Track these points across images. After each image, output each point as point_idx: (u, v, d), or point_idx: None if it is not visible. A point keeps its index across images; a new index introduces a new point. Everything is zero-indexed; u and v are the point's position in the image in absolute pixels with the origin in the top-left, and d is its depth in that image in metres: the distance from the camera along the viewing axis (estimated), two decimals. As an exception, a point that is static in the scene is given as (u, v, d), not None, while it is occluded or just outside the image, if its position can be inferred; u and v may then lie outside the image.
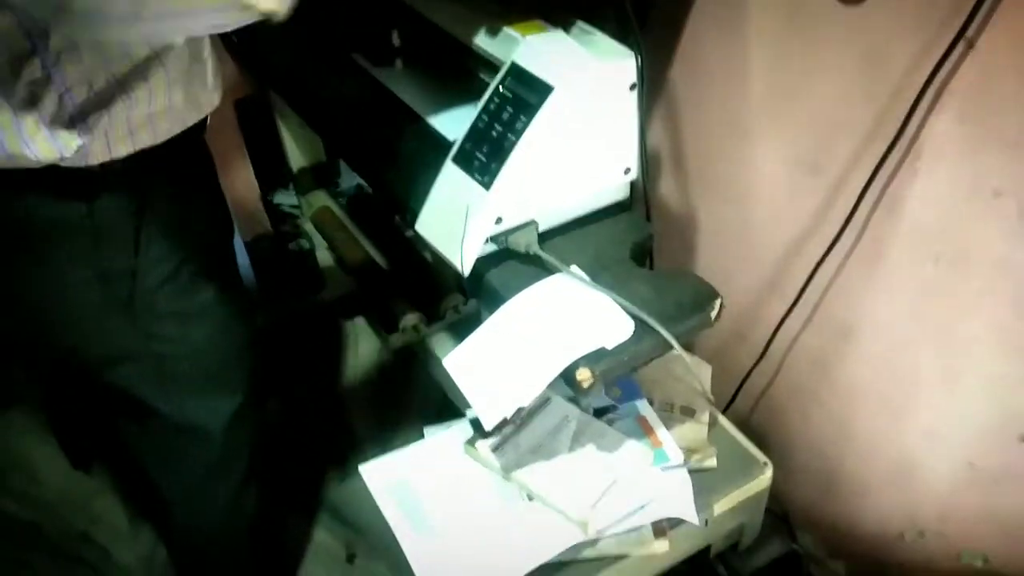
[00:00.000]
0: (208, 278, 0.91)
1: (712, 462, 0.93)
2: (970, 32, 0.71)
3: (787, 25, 0.90)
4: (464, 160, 0.86)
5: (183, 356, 0.92)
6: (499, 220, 0.86)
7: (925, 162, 0.82)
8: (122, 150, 0.75)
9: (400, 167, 0.97)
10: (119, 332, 0.87)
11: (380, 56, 1.07)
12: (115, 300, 0.84)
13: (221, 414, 1.00)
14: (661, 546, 0.87)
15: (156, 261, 0.84)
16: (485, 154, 0.84)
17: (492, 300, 0.91)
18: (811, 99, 0.91)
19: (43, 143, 0.70)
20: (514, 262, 0.92)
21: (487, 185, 0.83)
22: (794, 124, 0.94)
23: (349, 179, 1.94)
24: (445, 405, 1.54)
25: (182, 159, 0.85)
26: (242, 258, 1.74)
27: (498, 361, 0.83)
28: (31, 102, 0.68)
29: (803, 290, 0.99)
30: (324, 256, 1.71)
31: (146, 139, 0.77)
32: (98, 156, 0.74)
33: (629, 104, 0.87)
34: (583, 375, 0.79)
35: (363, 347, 1.80)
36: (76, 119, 0.70)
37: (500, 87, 0.85)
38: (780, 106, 0.95)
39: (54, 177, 0.72)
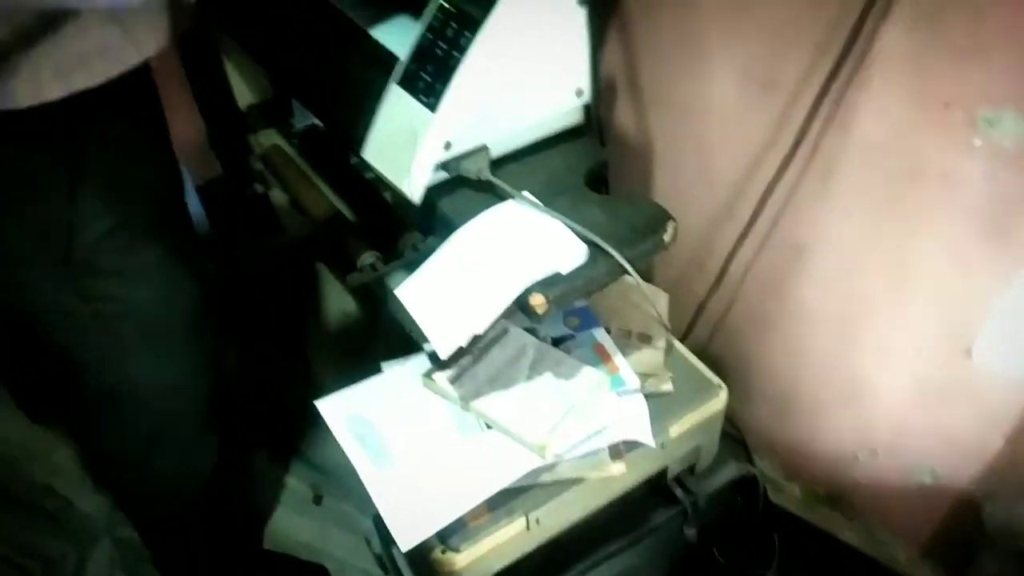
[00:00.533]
0: (154, 236, 0.87)
1: (668, 386, 0.94)
2: (922, -66, 0.70)
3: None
4: (409, 82, 0.83)
5: (124, 316, 0.88)
6: (448, 145, 0.84)
7: (876, 73, 0.81)
8: (54, 92, 0.70)
9: (346, 93, 0.94)
10: (55, 288, 0.83)
11: None
12: (50, 254, 0.80)
13: (163, 379, 0.96)
14: (618, 468, 0.87)
15: (94, 215, 0.80)
16: (430, 74, 0.81)
17: (445, 229, 0.89)
18: (762, 9, 0.89)
19: None
20: (466, 189, 0.89)
21: (432, 107, 0.80)
22: (746, 39, 0.92)
23: (303, 117, 1.88)
24: (407, 345, 1.54)
25: (124, 104, 0.80)
26: (194, 204, 1.68)
27: (451, 289, 0.82)
28: None
29: (757, 213, 0.98)
30: (278, 196, 1.67)
31: (80, 81, 0.71)
32: (26, 98, 0.69)
33: (578, 20, 0.84)
34: (537, 300, 0.78)
35: (322, 290, 1.78)
36: None
37: (443, 2, 0.81)
38: (731, 20, 0.93)
39: None
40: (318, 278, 1.81)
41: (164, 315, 0.92)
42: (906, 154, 0.82)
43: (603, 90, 1.08)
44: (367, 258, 1.28)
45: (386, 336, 1.66)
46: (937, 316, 0.91)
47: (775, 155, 0.94)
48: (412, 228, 1.30)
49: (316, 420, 0.90)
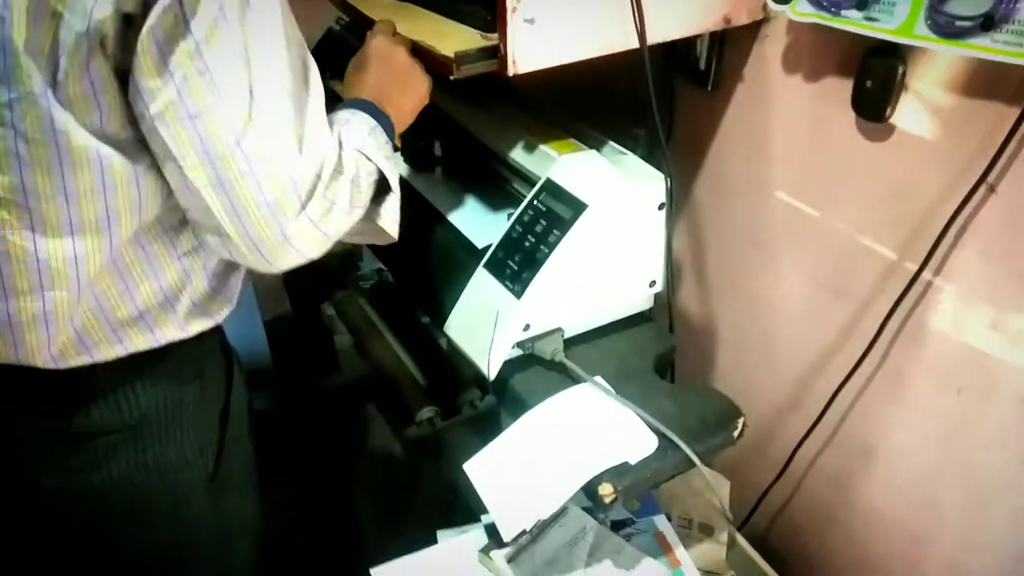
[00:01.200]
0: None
1: (730, 585, 0.91)
2: (991, 178, 0.74)
3: (812, 150, 0.94)
4: (496, 268, 0.89)
5: (242, 532, 0.95)
6: (527, 327, 0.88)
7: (948, 294, 0.83)
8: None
9: (430, 268, 1.00)
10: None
11: (421, 163, 1.11)
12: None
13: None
14: (676, 673, 0.84)
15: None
16: (517, 263, 0.86)
17: (516, 405, 0.92)
18: (834, 224, 0.93)
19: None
20: (539, 368, 0.93)
21: (518, 294, 0.85)
22: (817, 247, 0.97)
23: (371, 262, 1.97)
24: (453, 502, 1.52)
25: None
26: (260, 336, 1.75)
27: (520, 469, 0.83)
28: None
29: (825, 410, 0.98)
30: (341, 340, 1.72)
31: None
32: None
33: (657, 222, 0.90)
34: (605, 490, 0.78)
35: (373, 435, 1.79)
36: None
37: (535, 200, 0.88)
38: (803, 228, 0.98)
39: None
40: (369, 419, 1.83)
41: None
42: (979, 373, 0.83)
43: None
44: (426, 412, 1.30)
45: (432, 487, 1.65)
46: (1014, 533, 0.88)
47: (844, 357, 0.96)
48: (471, 384, 1.33)
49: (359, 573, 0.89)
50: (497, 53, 0.79)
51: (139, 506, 0.81)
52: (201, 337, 0.79)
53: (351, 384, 1.66)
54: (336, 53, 1.40)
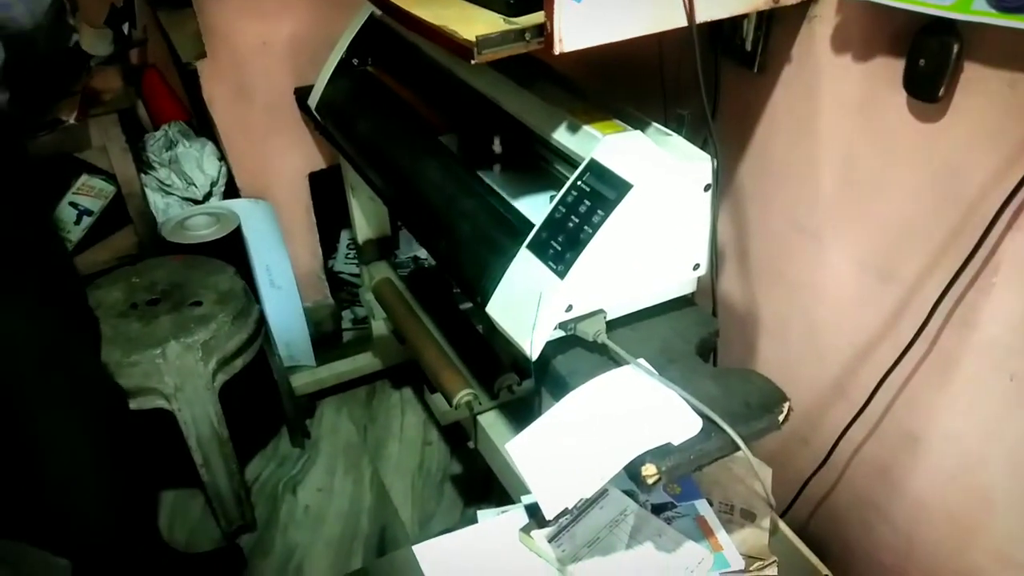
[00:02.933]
0: None
1: (773, 571, 0.90)
2: (1052, 156, 0.72)
3: (862, 131, 0.92)
4: (539, 248, 0.89)
5: None
6: (569, 308, 0.88)
7: (1002, 277, 0.81)
8: None
9: (471, 250, 1.00)
10: None
11: (481, 160, 1.10)
12: None
13: None
14: (717, 656, 0.83)
15: None
16: (560, 243, 0.86)
17: (557, 386, 0.92)
18: (883, 205, 0.92)
19: None
20: (581, 349, 0.93)
21: (562, 274, 0.85)
22: (865, 229, 0.95)
23: (407, 249, 1.99)
24: (488, 483, 1.53)
25: None
26: (301, 322, 1.78)
27: (562, 450, 0.83)
28: None
29: (870, 398, 0.97)
30: (379, 326, 1.75)
31: None
32: None
33: (703, 204, 0.89)
34: (649, 471, 0.78)
35: (409, 418, 1.82)
36: None
37: (579, 181, 0.88)
38: (851, 210, 0.96)
39: None
40: (405, 403, 1.85)
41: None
42: (1034, 357, 0.81)
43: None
44: (464, 396, 1.31)
45: (468, 468, 1.66)
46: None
47: (890, 343, 0.94)
48: (508, 368, 1.33)
49: (397, 551, 0.89)
50: (521, 37, 0.80)
51: None
52: None
53: (390, 368, 1.67)
54: (378, 40, 1.42)
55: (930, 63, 0.80)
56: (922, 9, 0.75)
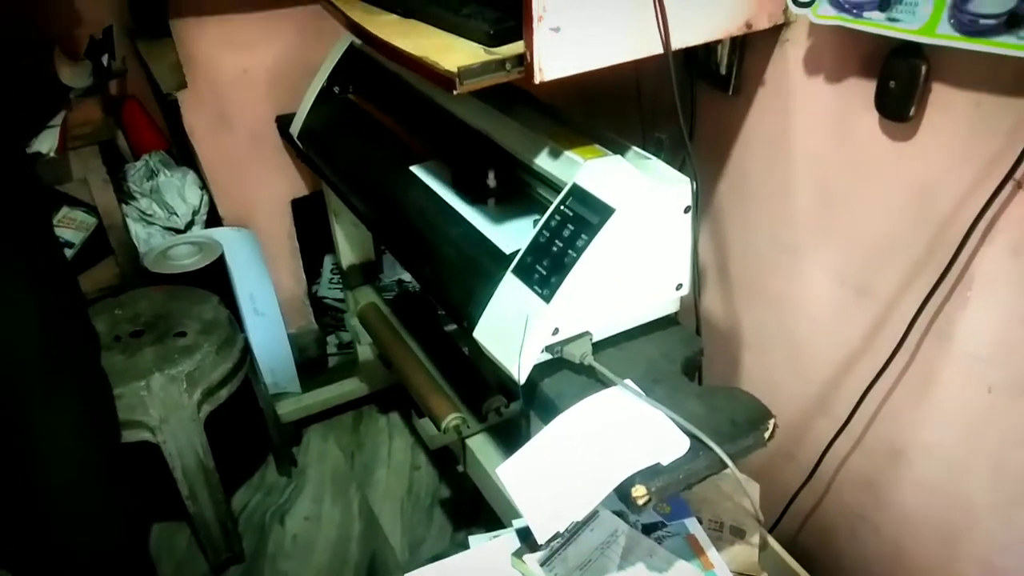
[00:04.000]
0: None
1: (763, 587, 0.91)
2: (1019, 174, 0.75)
3: (835, 150, 0.94)
4: (524, 273, 0.90)
5: None
6: (556, 331, 0.89)
7: (976, 292, 0.83)
8: None
9: (457, 274, 1.01)
10: None
11: (475, 195, 1.09)
12: None
13: None
14: (712, 675, 0.84)
15: None
16: (545, 268, 0.87)
17: (545, 408, 0.92)
18: (859, 222, 0.94)
19: None
20: (568, 371, 0.93)
21: (547, 298, 0.86)
22: (841, 246, 0.97)
23: (391, 272, 2.00)
24: (477, 506, 1.52)
25: None
26: (286, 348, 1.77)
27: (552, 473, 0.83)
28: None
29: (853, 412, 0.98)
30: (365, 351, 1.75)
31: None
32: None
33: (684, 225, 0.91)
34: (639, 492, 0.79)
35: (396, 443, 1.81)
36: None
37: (562, 206, 0.89)
38: (827, 228, 0.98)
39: None
40: (392, 427, 1.85)
41: None
42: (1010, 369, 0.83)
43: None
44: (452, 420, 1.31)
45: (456, 492, 1.65)
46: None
47: (871, 358, 0.96)
48: (495, 391, 1.34)
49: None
50: (501, 67, 0.81)
51: None
52: None
53: (376, 393, 1.67)
54: (358, 68, 1.43)
55: (900, 84, 0.82)
56: (890, 33, 0.77)
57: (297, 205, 1.74)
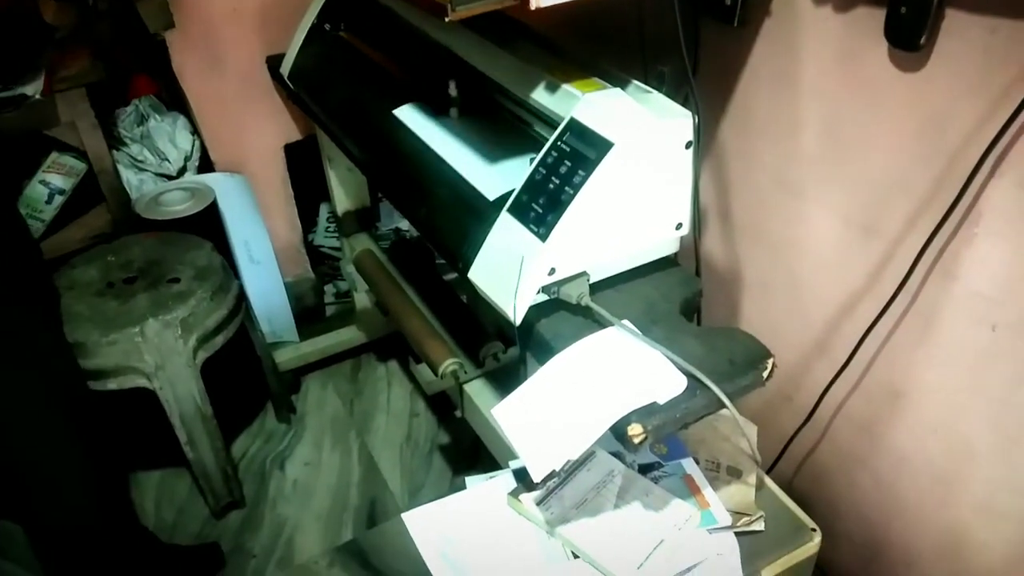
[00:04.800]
0: None
1: (760, 526, 0.91)
2: (1033, 102, 0.72)
3: (844, 82, 0.91)
4: (520, 211, 0.87)
5: None
6: (552, 271, 0.87)
7: (984, 228, 0.81)
8: None
9: (452, 216, 0.99)
10: None
11: (437, 105, 1.09)
12: None
13: None
14: (706, 611, 0.84)
15: None
16: (541, 206, 0.85)
17: (542, 350, 0.91)
18: (866, 160, 0.91)
19: None
20: (564, 312, 0.92)
21: (543, 237, 0.84)
22: (847, 184, 0.95)
23: (388, 221, 1.97)
24: (475, 450, 1.53)
25: None
26: (283, 297, 1.76)
27: (548, 413, 0.83)
28: None
29: (853, 354, 0.97)
30: (362, 299, 1.73)
31: None
32: None
33: (685, 162, 0.88)
34: (635, 430, 0.78)
35: (395, 390, 1.81)
36: None
37: (559, 141, 0.86)
38: (833, 165, 0.96)
39: None
40: (391, 375, 1.85)
41: None
42: (1014, 307, 0.81)
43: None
44: (449, 365, 1.30)
45: (454, 436, 1.66)
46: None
47: (872, 298, 0.94)
48: (493, 336, 1.33)
49: (386, 521, 0.90)
50: None
51: None
52: None
53: (374, 341, 1.66)
54: (350, 3, 1.38)
55: (911, 11, 0.78)
56: (903, -45, 0.74)
57: (291, 150, 1.71)
